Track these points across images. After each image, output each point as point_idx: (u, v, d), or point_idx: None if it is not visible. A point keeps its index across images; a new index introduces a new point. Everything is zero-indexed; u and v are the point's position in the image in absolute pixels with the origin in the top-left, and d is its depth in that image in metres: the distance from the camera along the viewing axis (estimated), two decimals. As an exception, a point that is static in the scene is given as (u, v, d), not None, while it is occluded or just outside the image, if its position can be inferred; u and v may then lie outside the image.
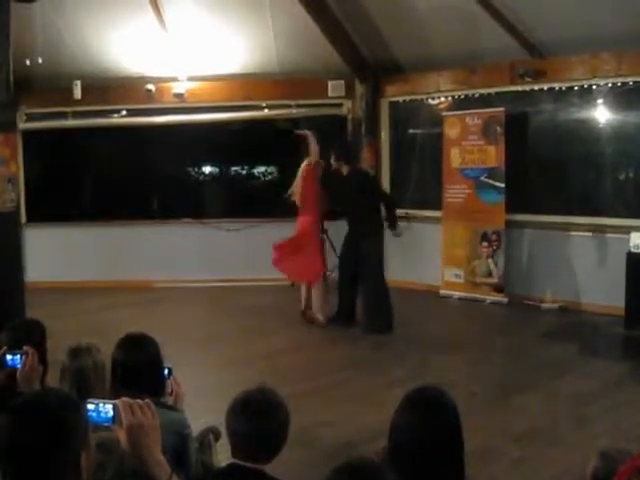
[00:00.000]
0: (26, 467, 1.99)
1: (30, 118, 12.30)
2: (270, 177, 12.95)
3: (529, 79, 10.30)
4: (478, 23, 10.13)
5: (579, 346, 8.41)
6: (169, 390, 3.73)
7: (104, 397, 2.53)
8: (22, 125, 11.95)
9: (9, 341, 3.71)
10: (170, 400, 3.73)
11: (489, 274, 10.64)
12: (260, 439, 2.89)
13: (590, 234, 9.91)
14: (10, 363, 3.46)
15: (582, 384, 7.05)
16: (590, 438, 5.56)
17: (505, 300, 10.46)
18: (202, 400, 5.59)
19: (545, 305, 10.21)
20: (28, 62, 10.72)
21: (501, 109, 10.48)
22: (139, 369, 3.37)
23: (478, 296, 10.63)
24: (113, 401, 2.35)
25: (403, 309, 9.38)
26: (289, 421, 3.03)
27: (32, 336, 3.85)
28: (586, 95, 9.94)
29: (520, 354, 8.27)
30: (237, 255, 11.93)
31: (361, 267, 9.19)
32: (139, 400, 2.37)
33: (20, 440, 1.99)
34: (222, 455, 3.72)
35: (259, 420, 2.90)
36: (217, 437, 3.96)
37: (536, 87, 10.34)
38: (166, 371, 3.63)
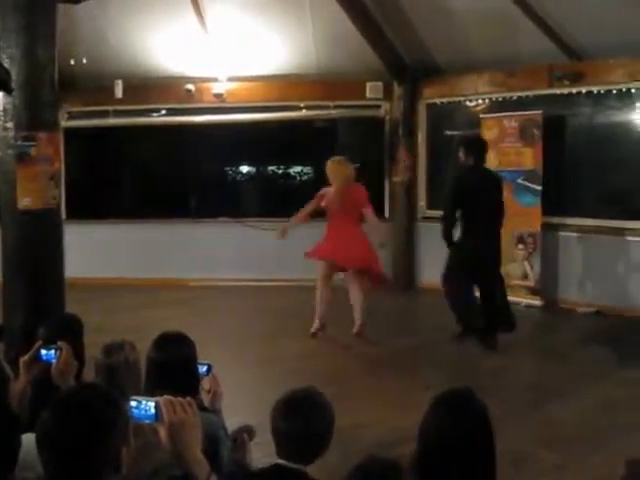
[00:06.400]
0: (67, 460, 2.05)
1: (72, 116, 12.45)
2: (306, 177, 12.96)
3: (567, 82, 10.25)
4: (516, 25, 10.10)
5: (617, 352, 8.27)
6: (207, 387, 3.76)
7: (137, 394, 2.57)
8: (64, 123, 12.03)
9: (46, 336, 3.79)
10: (208, 398, 3.77)
11: (525, 277, 10.59)
12: (307, 440, 2.92)
13: (629, 238, 9.84)
14: (45, 358, 3.48)
15: (621, 391, 6.94)
16: (629, 446, 5.34)
17: (541, 303, 10.41)
18: (235, 399, 5.63)
19: (581, 309, 10.14)
20: (72, 62, 10.83)
21: (539, 112, 10.43)
22: (174, 368, 3.42)
23: (513, 299, 10.48)
24: (155, 398, 2.40)
25: (438, 312, 9.27)
26: (334, 422, 3.05)
27: (69, 331, 3.92)
28: (625, 98, 9.84)
29: (556, 359, 8.20)
30: (273, 254, 11.94)
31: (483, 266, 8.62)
32: (180, 398, 2.42)
33: (61, 435, 2.06)
34: (256, 454, 3.76)
35: (307, 421, 2.93)
36: (251, 436, 4.00)
37: (574, 90, 10.27)
38: (205, 368, 3.66)
